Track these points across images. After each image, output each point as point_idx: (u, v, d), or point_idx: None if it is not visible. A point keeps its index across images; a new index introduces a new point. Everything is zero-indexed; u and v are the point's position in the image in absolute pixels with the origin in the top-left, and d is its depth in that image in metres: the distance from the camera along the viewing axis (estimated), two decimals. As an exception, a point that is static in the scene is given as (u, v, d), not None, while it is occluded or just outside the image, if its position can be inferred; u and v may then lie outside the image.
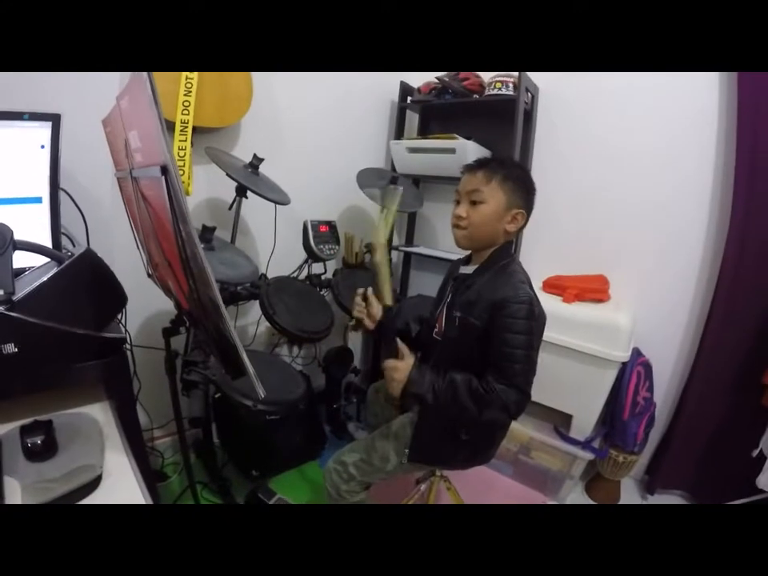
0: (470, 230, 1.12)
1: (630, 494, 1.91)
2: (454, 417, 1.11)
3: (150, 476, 1.24)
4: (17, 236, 0.83)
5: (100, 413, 0.94)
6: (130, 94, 0.75)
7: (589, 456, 1.74)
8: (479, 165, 1.12)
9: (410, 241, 2.60)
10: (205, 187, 1.73)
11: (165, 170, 0.57)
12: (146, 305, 1.63)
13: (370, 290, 1.33)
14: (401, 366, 1.10)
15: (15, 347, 0.78)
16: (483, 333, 1.06)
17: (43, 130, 1.06)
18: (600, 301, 1.81)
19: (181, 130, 1.41)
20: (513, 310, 1.01)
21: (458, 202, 1.15)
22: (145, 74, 0.55)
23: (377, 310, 1.31)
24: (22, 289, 0.80)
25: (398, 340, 1.17)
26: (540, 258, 2.09)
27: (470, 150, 1.90)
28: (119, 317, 1.27)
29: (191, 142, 1.45)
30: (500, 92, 1.92)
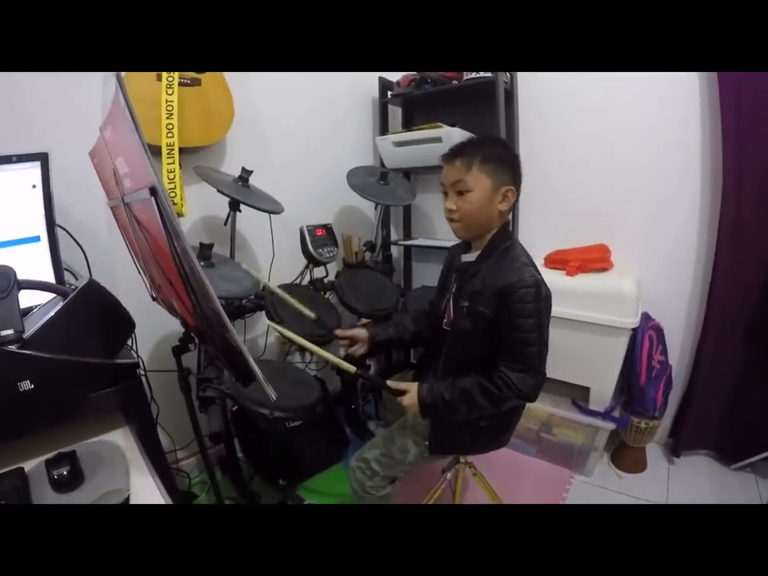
0: (464, 221, 1.11)
1: (656, 460, 1.91)
2: (476, 418, 1.12)
3: (177, 496, 1.26)
4: (20, 276, 0.84)
5: (121, 438, 0.95)
6: (112, 123, 0.76)
7: (610, 426, 1.74)
8: (455, 153, 1.10)
9: (407, 234, 2.61)
10: (198, 206, 1.74)
11: (153, 191, 0.58)
12: (154, 329, 1.64)
13: (340, 331, 1.36)
14: (407, 401, 1.12)
15: (31, 384, 0.79)
16: (493, 320, 1.06)
17: (33, 170, 1.08)
18: (603, 270, 1.80)
19: (168, 153, 1.43)
20: (521, 295, 1.01)
21: (446, 194, 1.13)
22: (122, 100, 0.56)
23: (360, 334, 1.32)
24: (32, 326, 0.81)
25: (388, 383, 1.17)
26: (539, 234, 2.10)
27: (456, 137, 1.89)
28: (130, 343, 1.29)
29: (179, 164, 1.47)
30: (478, 75, 1.92)
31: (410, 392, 1.12)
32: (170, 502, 0.78)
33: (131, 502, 0.77)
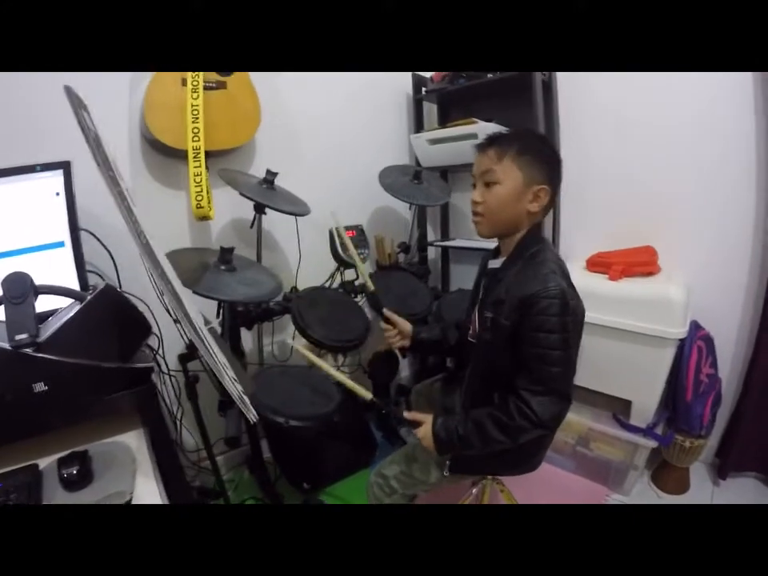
0: (488, 216, 1.03)
1: (700, 481, 1.78)
2: (491, 453, 1.03)
3: (186, 498, 1.27)
4: (46, 280, 0.88)
5: (135, 440, 0.97)
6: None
7: (652, 444, 1.63)
8: (490, 142, 1.02)
9: (445, 235, 2.55)
10: (227, 209, 1.76)
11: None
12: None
13: (388, 312, 1.31)
14: (421, 433, 1.06)
15: (45, 385, 0.82)
16: (513, 334, 0.97)
17: (56, 178, 1.12)
18: (649, 274, 1.68)
19: (194, 157, 1.44)
20: (543, 307, 0.91)
21: (474, 186, 1.06)
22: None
23: (405, 327, 1.27)
24: (48, 330, 0.84)
25: (405, 415, 1.11)
26: (581, 236, 2.00)
27: (491, 132, 1.83)
28: (156, 346, 1.32)
29: (207, 167, 1.48)
30: (514, 67, 1.84)
31: (426, 424, 1.06)
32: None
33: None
